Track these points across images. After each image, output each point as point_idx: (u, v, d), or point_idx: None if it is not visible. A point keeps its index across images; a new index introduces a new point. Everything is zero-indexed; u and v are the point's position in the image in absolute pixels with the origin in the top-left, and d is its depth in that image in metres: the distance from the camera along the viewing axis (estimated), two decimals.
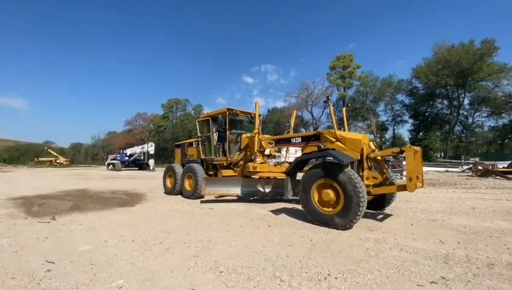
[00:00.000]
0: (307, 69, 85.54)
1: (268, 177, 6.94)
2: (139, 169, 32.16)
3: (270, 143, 6.22)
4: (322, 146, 5.06)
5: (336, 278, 2.37)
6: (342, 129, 5.71)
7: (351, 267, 2.60)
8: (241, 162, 7.04)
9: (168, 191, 8.48)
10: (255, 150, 6.30)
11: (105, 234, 3.88)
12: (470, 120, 37.70)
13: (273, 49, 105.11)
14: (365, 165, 4.55)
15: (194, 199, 7.23)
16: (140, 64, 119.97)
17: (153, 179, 15.72)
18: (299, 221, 4.56)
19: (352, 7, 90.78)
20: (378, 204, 5.15)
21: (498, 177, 12.98)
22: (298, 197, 4.74)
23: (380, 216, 4.93)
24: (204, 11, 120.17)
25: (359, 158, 4.57)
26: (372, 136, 38.38)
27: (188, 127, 49.98)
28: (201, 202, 6.85)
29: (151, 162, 31.38)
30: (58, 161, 48.48)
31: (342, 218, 3.98)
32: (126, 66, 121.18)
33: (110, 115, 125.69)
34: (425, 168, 16.00)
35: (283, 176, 5.70)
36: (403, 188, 4.16)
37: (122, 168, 31.16)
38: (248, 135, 6.83)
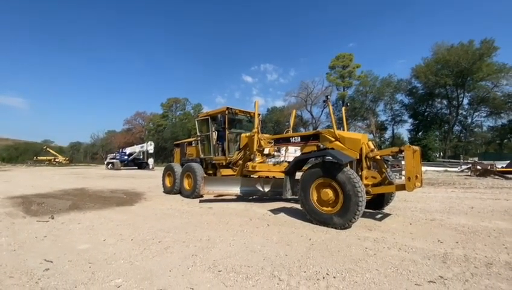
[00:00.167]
0: (307, 69, 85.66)
1: (267, 177, 6.95)
2: (138, 168, 32.14)
3: (270, 142, 6.22)
4: (321, 145, 5.06)
5: (334, 277, 2.38)
6: (341, 129, 5.71)
7: (350, 266, 2.61)
8: (240, 162, 7.04)
9: (167, 191, 8.48)
10: (254, 150, 6.30)
11: (104, 233, 3.88)
12: (469, 120, 37.80)
13: (273, 48, 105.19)
14: (364, 165, 4.56)
15: (193, 198, 7.22)
16: (140, 63, 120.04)
17: (152, 178, 15.71)
18: (298, 220, 4.57)
19: (352, 7, 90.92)
20: (377, 203, 5.15)
21: (497, 177, 13.02)
22: (297, 197, 4.74)
23: (379, 216, 4.93)
24: (204, 10, 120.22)
25: (358, 158, 4.57)
26: (371, 136, 38.43)
27: (187, 126, 49.95)
28: (201, 201, 6.85)
29: (151, 161, 31.37)
30: (57, 160, 48.36)
31: (340, 217, 3.98)
32: (126, 65, 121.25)
33: (110, 114, 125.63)
34: (424, 168, 16.03)
35: (282, 175, 5.71)
36: (401, 187, 4.16)
37: (122, 167, 31.15)
38: (247, 134, 6.83)
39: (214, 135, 7.80)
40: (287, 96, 48.85)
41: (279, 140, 6.16)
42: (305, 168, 5.09)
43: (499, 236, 3.63)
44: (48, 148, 54.67)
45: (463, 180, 11.98)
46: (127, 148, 35.53)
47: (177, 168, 8.34)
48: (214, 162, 7.86)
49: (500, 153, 32.10)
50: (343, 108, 7.25)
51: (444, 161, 25.47)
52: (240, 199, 6.89)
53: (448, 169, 20.13)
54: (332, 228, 4.03)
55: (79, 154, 73.68)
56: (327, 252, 3.01)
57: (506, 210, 5.38)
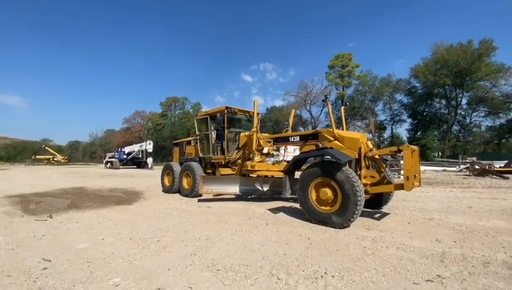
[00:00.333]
0: (306, 68, 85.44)
1: (266, 176, 6.95)
2: (137, 167, 32.08)
3: (269, 142, 6.22)
4: (320, 145, 5.06)
5: (332, 276, 2.38)
6: (341, 128, 5.71)
7: (348, 265, 2.61)
8: (239, 161, 7.04)
9: (166, 190, 8.47)
10: (253, 149, 6.30)
11: (103, 232, 3.88)
12: (468, 120, 37.95)
13: (272, 47, 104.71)
14: (363, 164, 4.56)
15: (192, 197, 7.22)
16: (139, 62, 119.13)
17: (151, 177, 15.69)
18: (297, 219, 4.57)
19: (352, 6, 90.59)
20: (376, 203, 5.17)
21: (495, 176, 13.07)
22: (296, 196, 4.75)
23: (378, 215, 4.95)
24: (204, 10, 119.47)
25: (357, 157, 4.58)
26: (370, 135, 38.50)
27: (186, 126, 49.88)
28: (199, 200, 6.84)
29: (150, 160, 31.28)
30: (55, 159, 48.15)
31: (339, 217, 3.99)
32: (125, 64, 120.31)
33: (108, 113, 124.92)
34: (422, 168, 16.06)
35: (281, 174, 5.71)
36: (400, 187, 4.17)
37: (120, 167, 31.08)
38: (246, 133, 6.82)
39: (213, 134, 7.79)
40: (286, 96, 48.99)
41: (278, 139, 6.16)
42: (304, 167, 5.09)
43: (497, 235, 3.64)
44: (46, 147, 54.40)
45: (461, 180, 12.03)
46: (126, 147, 35.42)
47: (176, 167, 8.33)
48: (213, 161, 7.85)
49: (498, 152, 32.24)
50: (342, 107, 7.25)
51: (442, 161, 25.55)
52: (238, 198, 6.89)
53: (447, 169, 20.20)
54: (331, 227, 4.04)
55: (78, 153, 73.40)
56: (326, 251, 3.02)
57: (504, 209, 5.40)
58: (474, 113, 36.94)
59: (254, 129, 6.33)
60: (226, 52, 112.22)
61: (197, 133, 8.37)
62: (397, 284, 2.23)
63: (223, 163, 7.55)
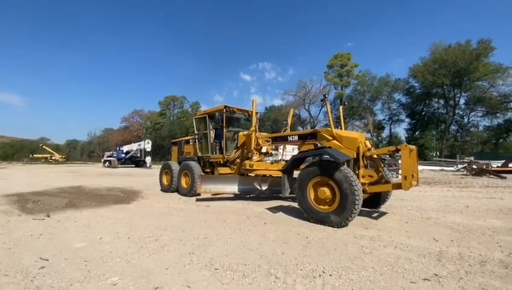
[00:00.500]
0: (305, 67, 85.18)
1: (264, 175, 6.96)
2: (135, 166, 31.99)
3: (267, 141, 6.22)
4: (319, 144, 5.07)
5: (330, 275, 2.39)
6: (339, 127, 5.73)
7: (346, 264, 2.62)
8: (238, 160, 7.04)
9: (165, 189, 8.45)
10: (252, 148, 6.30)
11: (101, 231, 3.86)
12: (466, 120, 38.15)
13: (271, 47, 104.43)
14: (361, 164, 4.58)
15: (190, 196, 7.22)
16: (138, 61, 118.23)
17: (149, 176, 15.66)
18: (295, 219, 4.58)
19: (351, 6, 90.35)
20: (374, 202, 5.19)
21: (492, 176, 13.14)
22: (295, 195, 4.75)
23: (375, 214, 4.97)
24: (204, 9, 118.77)
25: (355, 156, 4.59)
26: (368, 135, 38.57)
27: (185, 125, 49.77)
28: (198, 199, 6.84)
29: (148, 159, 31.22)
30: (53, 158, 47.93)
31: (337, 216, 4.00)
32: (124, 63, 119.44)
33: (107, 112, 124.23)
34: (420, 167, 16.15)
35: (280, 174, 5.71)
36: (398, 186, 4.19)
37: (119, 165, 30.96)
38: (245, 132, 6.82)
39: (212, 133, 7.78)
40: (285, 95, 48.99)
41: (277, 139, 6.17)
42: (302, 166, 5.10)
43: (494, 234, 3.67)
44: (44, 146, 54.08)
45: (459, 180, 12.09)
46: (124, 146, 35.26)
47: (175, 166, 8.31)
48: (211, 160, 7.85)
49: (496, 152, 32.40)
50: (341, 107, 7.26)
51: (440, 160, 25.68)
52: (237, 197, 6.89)
53: (445, 168, 20.30)
54: (329, 226, 4.05)
55: (76, 152, 73.10)
56: (324, 251, 3.03)
57: (501, 209, 5.44)
58: (472, 113, 37.17)
59: (253, 128, 6.33)
60: (225, 51, 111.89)
61: (196, 132, 8.36)
62: (394, 283, 2.24)
63: (222, 162, 7.55)
